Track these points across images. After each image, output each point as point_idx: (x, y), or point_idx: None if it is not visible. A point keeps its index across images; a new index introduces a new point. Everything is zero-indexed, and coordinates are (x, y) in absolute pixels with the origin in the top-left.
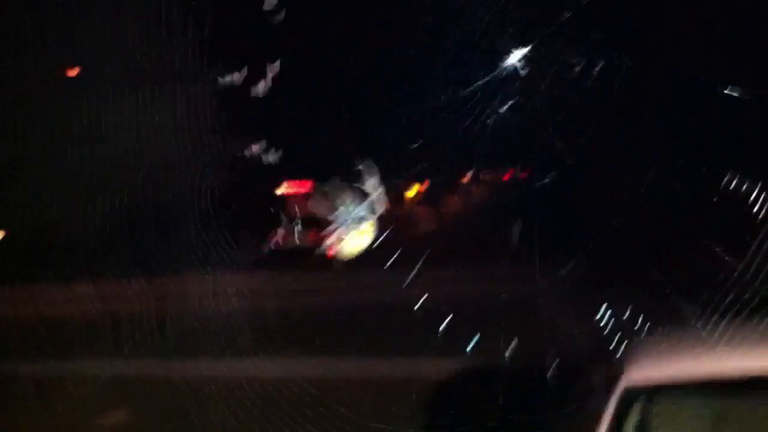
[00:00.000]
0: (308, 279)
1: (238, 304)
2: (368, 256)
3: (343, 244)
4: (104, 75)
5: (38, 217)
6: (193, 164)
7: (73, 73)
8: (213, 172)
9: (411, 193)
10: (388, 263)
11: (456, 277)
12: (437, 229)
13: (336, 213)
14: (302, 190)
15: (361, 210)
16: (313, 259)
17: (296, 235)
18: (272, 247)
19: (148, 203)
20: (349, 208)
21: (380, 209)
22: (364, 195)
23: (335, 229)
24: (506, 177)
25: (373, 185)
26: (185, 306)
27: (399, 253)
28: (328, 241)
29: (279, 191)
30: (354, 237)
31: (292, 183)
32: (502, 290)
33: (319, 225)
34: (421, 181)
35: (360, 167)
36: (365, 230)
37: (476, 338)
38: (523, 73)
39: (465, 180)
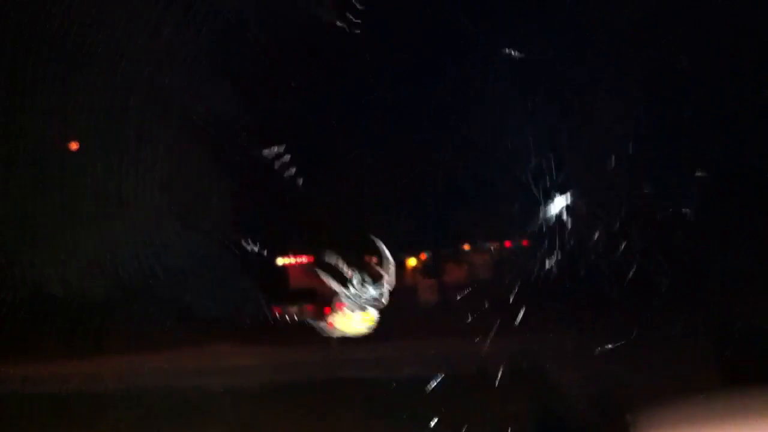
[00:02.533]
0: (308, 352)
1: (233, 378)
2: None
3: (345, 320)
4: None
5: (38, 290)
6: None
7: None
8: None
9: (411, 262)
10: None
11: (456, 349)
12: (438, 299)
13: (346, 289)
14: (302, 262)
15: (372, 290)
16: (312, 332)
17: (296, 308)
18: (273, 320)
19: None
20: (360, 287)
21: (388, 293)
22: (376, 273)
23: (341, 304)
24: (508, 244)
25: (386, 264)
26: (182, 381)
27: (399, 326)
28: (330, 315)
29: (280, 262)
30: (358, 316)
31: (291, 255)
32: (505, 361)
33: (318, 297)
34: (423, 251)
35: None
36: (370, 312)
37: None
38: (568, 223)
39: (466, 248)
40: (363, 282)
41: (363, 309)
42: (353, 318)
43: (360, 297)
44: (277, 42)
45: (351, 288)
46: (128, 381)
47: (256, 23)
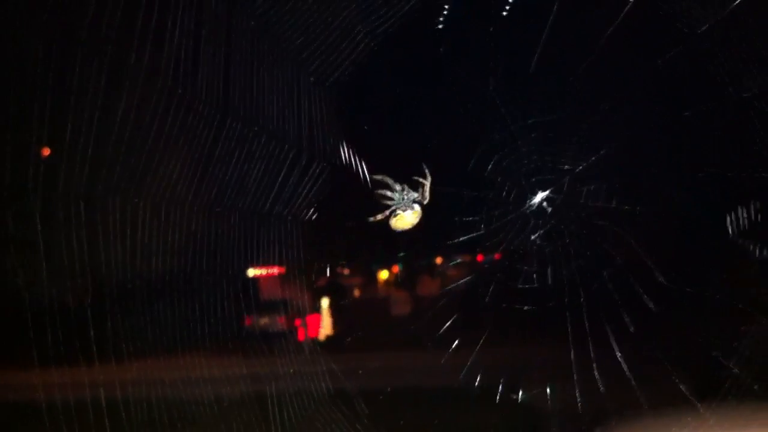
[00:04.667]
0: (279, 363)
1: (206, 389)
2: (343, 340)
3: (400, 219)
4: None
5: (12, 298)
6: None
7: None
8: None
9: (384, 275)
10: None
11: (431, 361)
12: (412, 310)
13: (395, 195)
14: (273, 274)
15: (413, 194)
16: (284, 341)
17: (268, 319)
18: (246, 331)
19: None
20: (405, 192)
21: (428, 196)
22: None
23: (393, 208)
24: (480, 258)
25: (425, 178)
26: (155, 392)
27: (371, 338)
28: (381, 216)
29: (250, 274)
30: (408, 213)
31: (262, 266)
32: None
33: (289, 309)
34: (395, 264)
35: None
36: (417, 211)
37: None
38: (548, 210)
39: (438, 261)
40: (404, 190)
41: (411, 209)
42: (405, 216)
43: (406, 200)
44: None
45: (398, 196)
46: (101, 391)
47: None
